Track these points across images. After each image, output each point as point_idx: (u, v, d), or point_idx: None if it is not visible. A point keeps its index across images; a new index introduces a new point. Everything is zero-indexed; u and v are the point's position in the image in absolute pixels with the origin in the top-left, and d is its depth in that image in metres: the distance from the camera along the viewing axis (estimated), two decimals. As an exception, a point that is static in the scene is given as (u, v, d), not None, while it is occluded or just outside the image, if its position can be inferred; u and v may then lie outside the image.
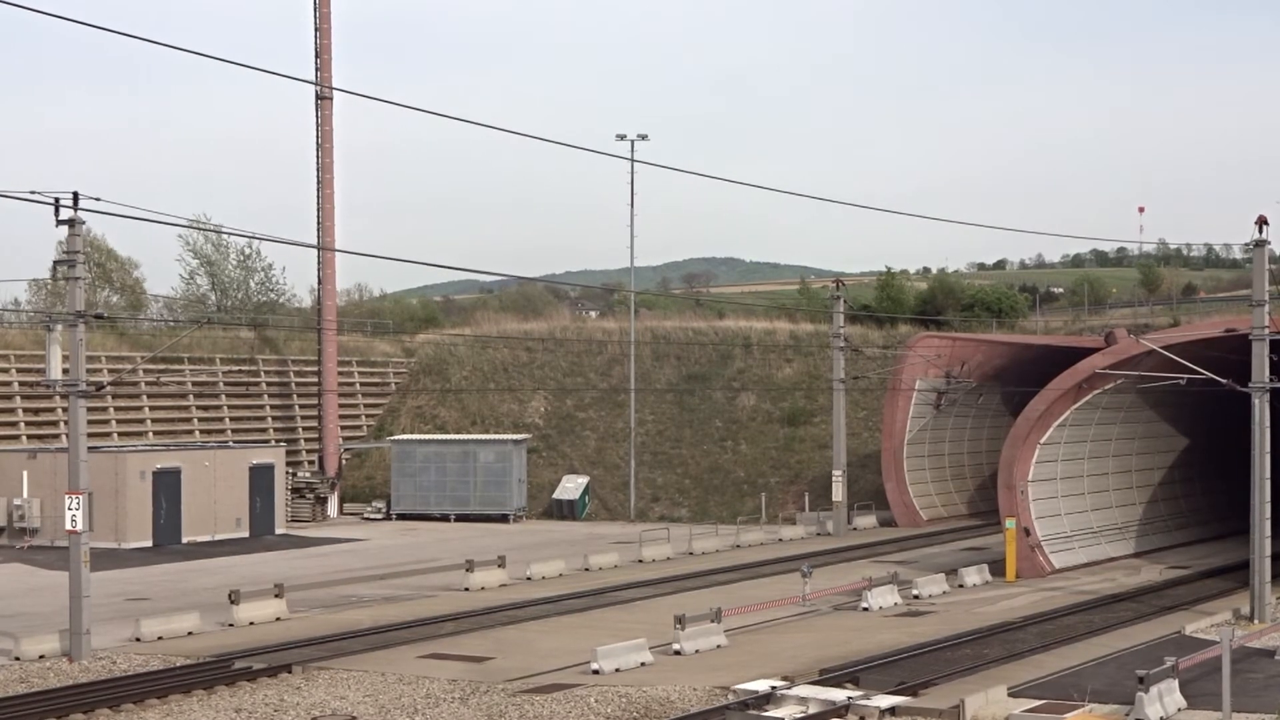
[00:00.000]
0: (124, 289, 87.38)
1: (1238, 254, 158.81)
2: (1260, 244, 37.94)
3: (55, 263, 34.41)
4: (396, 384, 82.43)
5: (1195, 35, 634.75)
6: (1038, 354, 63.48)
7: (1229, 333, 43.69)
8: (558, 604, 41.76)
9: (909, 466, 66.31)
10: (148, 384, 70.07)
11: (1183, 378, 41.58)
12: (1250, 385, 37.92)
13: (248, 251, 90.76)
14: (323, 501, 69.89)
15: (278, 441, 71.61)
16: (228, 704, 28.08)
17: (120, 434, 67.01)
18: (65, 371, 34.37)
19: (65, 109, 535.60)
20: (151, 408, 70.13)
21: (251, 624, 37.82)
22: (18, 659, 32.87)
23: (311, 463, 73.54)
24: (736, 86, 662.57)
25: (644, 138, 70.94)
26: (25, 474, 56.94)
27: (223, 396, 73.84)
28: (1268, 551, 38.12)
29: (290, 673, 31.14)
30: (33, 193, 29.02)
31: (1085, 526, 50.83)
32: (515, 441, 70.89)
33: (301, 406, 76.37)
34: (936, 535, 61.62)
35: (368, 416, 80.00)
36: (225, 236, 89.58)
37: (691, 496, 72.23)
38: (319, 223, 72.10)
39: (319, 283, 73.97)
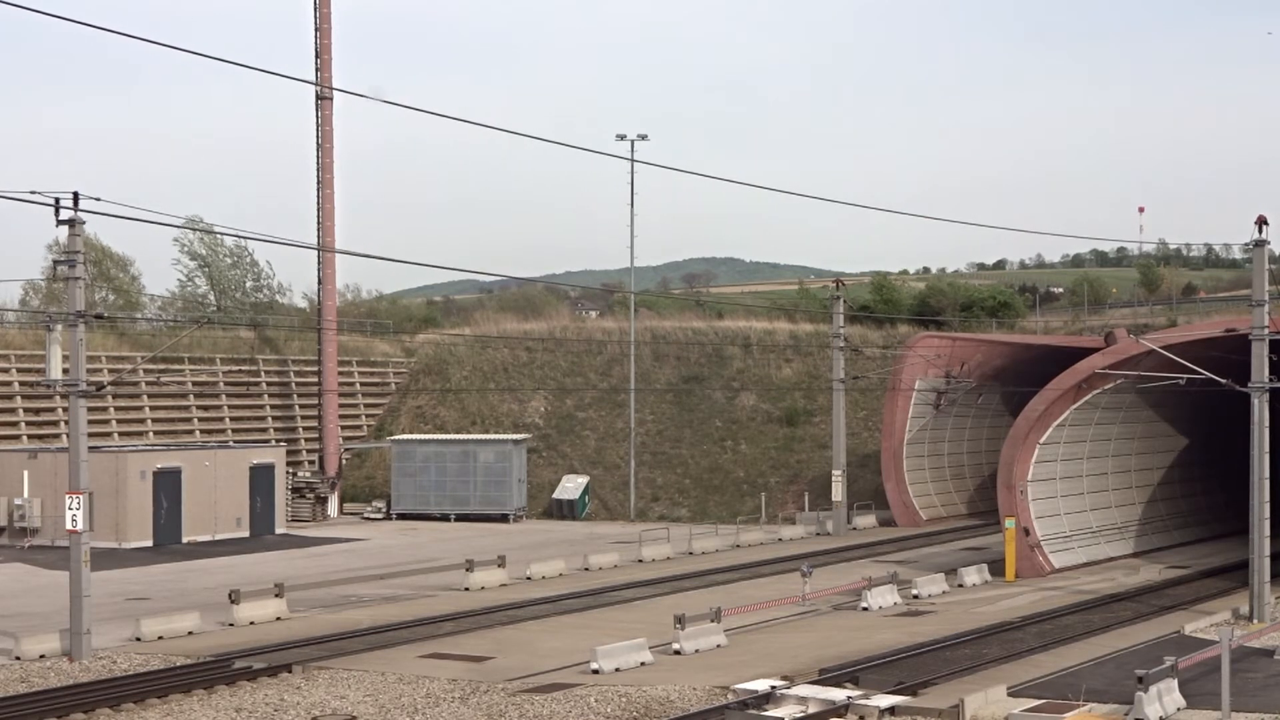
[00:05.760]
0: (119, 290, 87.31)
1: (1238, 254, 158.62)
2: (1260, 244, 38.00)
3: (55, 262, 34.44)
4: (396, 384, 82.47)
5: (1195, 35, 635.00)
6: (1038, 354, 63.51)
7: (1229, 333, 43.72)
8: (558, 604, 41.81)
9: (909, 466, 66.34)
10: (148, 384, 70.08)
11: (1182, 378, 41.60)
12: (1250, 385, 37.97)
13: (237, 251, 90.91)
14: (323, 501, 69.91)
15: (278, 441, 71.63)
16: (228, 703, 28.11)
17: (120, 434, 67.06)
18: (65, 371, 34.41)
19: (65, 109, 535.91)
20: (152, 408, 70.16)
21: (252, 624, 37.87)
22: (18, 658, 32.92)
23: (312, 463, 73.56)
24: (736, 87, 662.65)
25: (644, 138, 71.00)
26: (26, 474, 56.97)
27: (223, 396, 73.87)
28: (1267, 551, 38.17)
29: (290, 672, 31.19)
30: (33, 193, 29.06)
31: (1084, 526, 50.87)
32: (515, 441, 70.90)
33: (301, 406, 76.41)
34: (936, 535, 61.65)
35: (368, 416, 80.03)
36: (219, 237, 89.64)
37: (691, 496, 72.25)
38: (319, 223, 72.14)
39: (319, 283, 74.01)
